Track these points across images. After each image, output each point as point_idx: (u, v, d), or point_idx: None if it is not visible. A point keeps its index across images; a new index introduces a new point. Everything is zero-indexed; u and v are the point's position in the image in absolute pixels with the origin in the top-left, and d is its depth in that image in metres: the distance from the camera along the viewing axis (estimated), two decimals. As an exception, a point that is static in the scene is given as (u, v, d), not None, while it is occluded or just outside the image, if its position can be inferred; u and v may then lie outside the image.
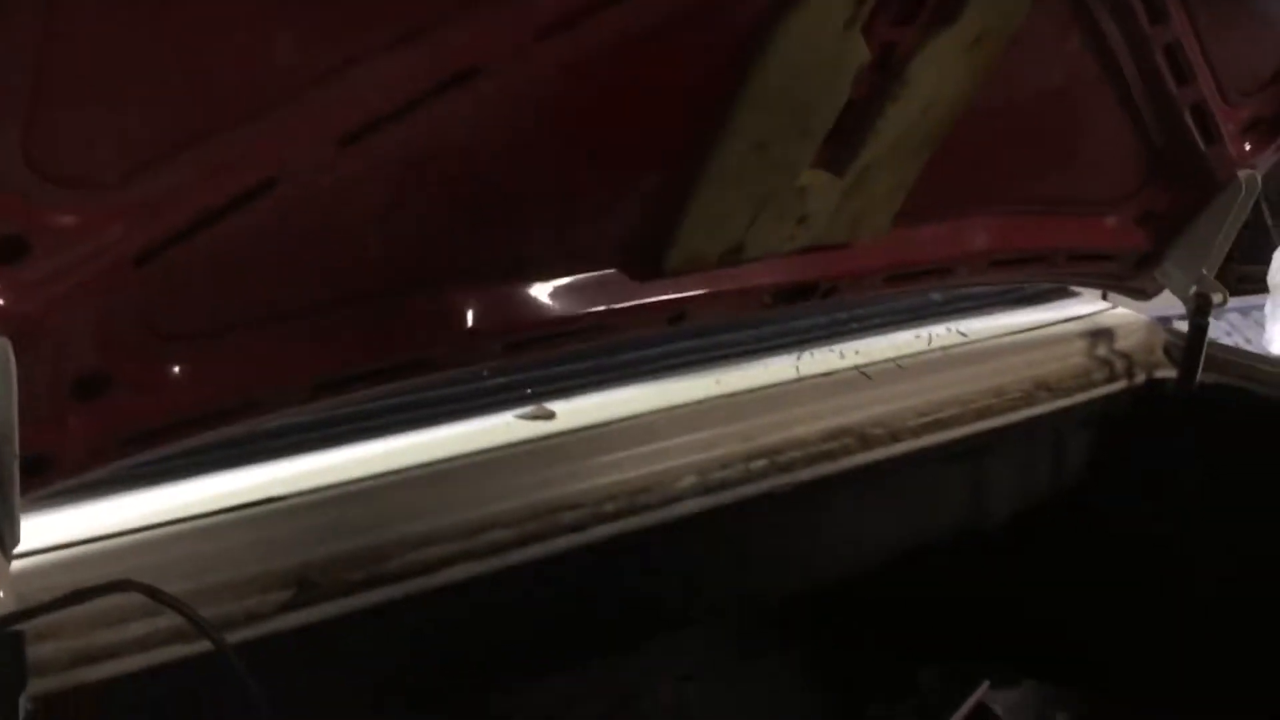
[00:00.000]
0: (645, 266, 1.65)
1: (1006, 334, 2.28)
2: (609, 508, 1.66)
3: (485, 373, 1.78)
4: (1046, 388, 2.23)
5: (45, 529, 1.40)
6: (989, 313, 2.35)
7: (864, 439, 1.94)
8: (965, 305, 2.34)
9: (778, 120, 1.54)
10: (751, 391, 1.91)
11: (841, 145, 1.65)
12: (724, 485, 1.78)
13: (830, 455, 1.89)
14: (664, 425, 1.79)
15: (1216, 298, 2.29)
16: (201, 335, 1.31)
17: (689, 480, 1.75)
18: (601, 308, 1.63)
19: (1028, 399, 2.18)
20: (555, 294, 1.59)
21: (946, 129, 1.73)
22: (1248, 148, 2.17)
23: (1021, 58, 1.76)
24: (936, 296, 2.31)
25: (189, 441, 1.40)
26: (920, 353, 2.13)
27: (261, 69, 1.11)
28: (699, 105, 1.47)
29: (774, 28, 1.41)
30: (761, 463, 1.81)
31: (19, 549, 1.27)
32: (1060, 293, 2.49)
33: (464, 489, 1.61)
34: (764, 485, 1.81)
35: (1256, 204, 2.37)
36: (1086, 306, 2.47)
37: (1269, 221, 3.41)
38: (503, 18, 1.21)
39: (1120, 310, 2.51)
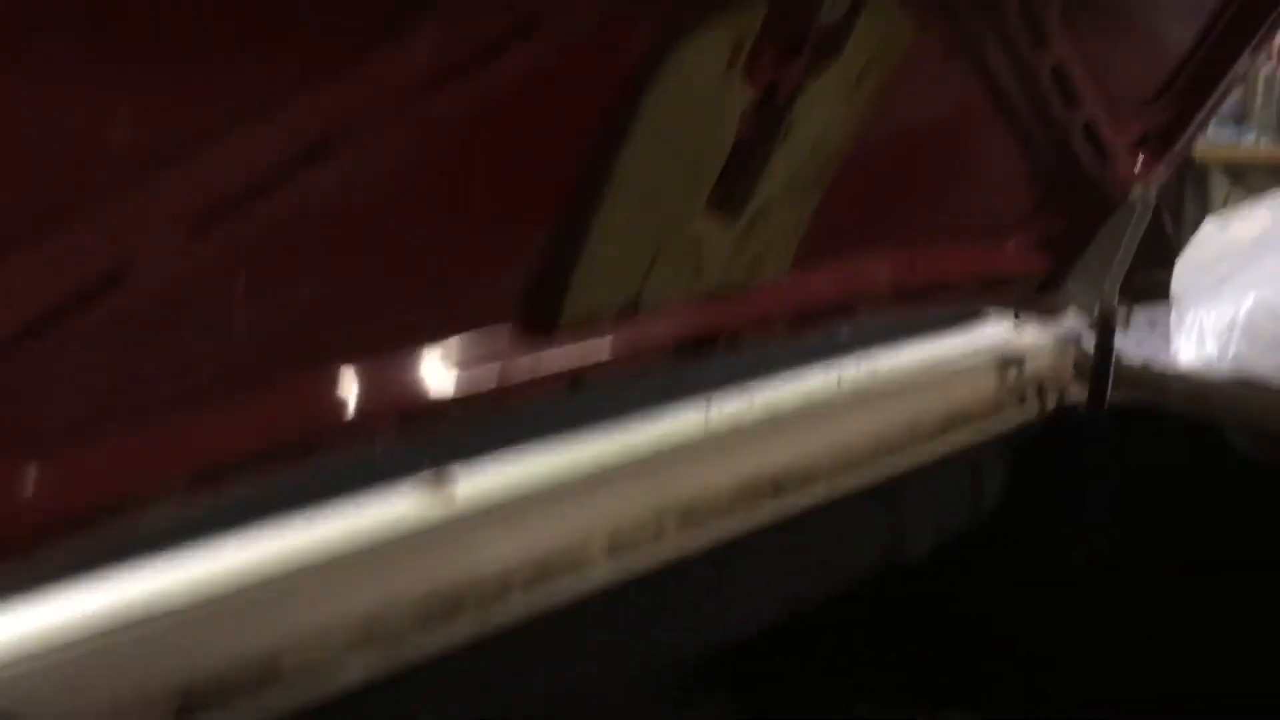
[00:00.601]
0: (539, 328, 1.58)
1: (917, 366, 2.25)
2: (517, 582, 1.58)
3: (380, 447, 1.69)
4: (961, 419, 2.20)
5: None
6: (898, 343, 2.32)
7: (778, 487, 1.88)
8: (874, 337, 2.30)
9: (664, 168, 1.49)
10: (659, 446, 1.85)
11: (733, 189, 1.60)
12: (636, 547, 1.71)
13: (744, 508, 1.83)
14: (570, 489, 1.71)
15: (1120, 315, 2.29)
16: (62, 433, 1.21)
17: (599, 547, 1.67)
18: (497, 375, 1.56)
19: (942, 431, 2.15)
20: (445, 363, 1.51)
21: (835, 165, 1.70)
22: (1140, 164, 2.18)
23: (907, 89, 1.73)
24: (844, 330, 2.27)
25: (55, 548, 1.30)
26: (832, 393, 2.09)
27: (94, 156, 1.02)
28: (579, 158, 1.41)
29: (651, 75, 1.36)
30: (673, 521, 1.75)
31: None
32: (970, 315, 2.46)
33: (359, 577, 1.52)
34: (678, 545, 1.74)
35: (1159, 214, 2.38)
36: (996, 328, 2.46)
37: (1169, 230, 3.44)
38: (353, 85, 1.14)
39: (1030, 331, 2.50)
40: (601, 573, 1.67)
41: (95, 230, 1.06)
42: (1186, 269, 3.31)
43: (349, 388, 1.43)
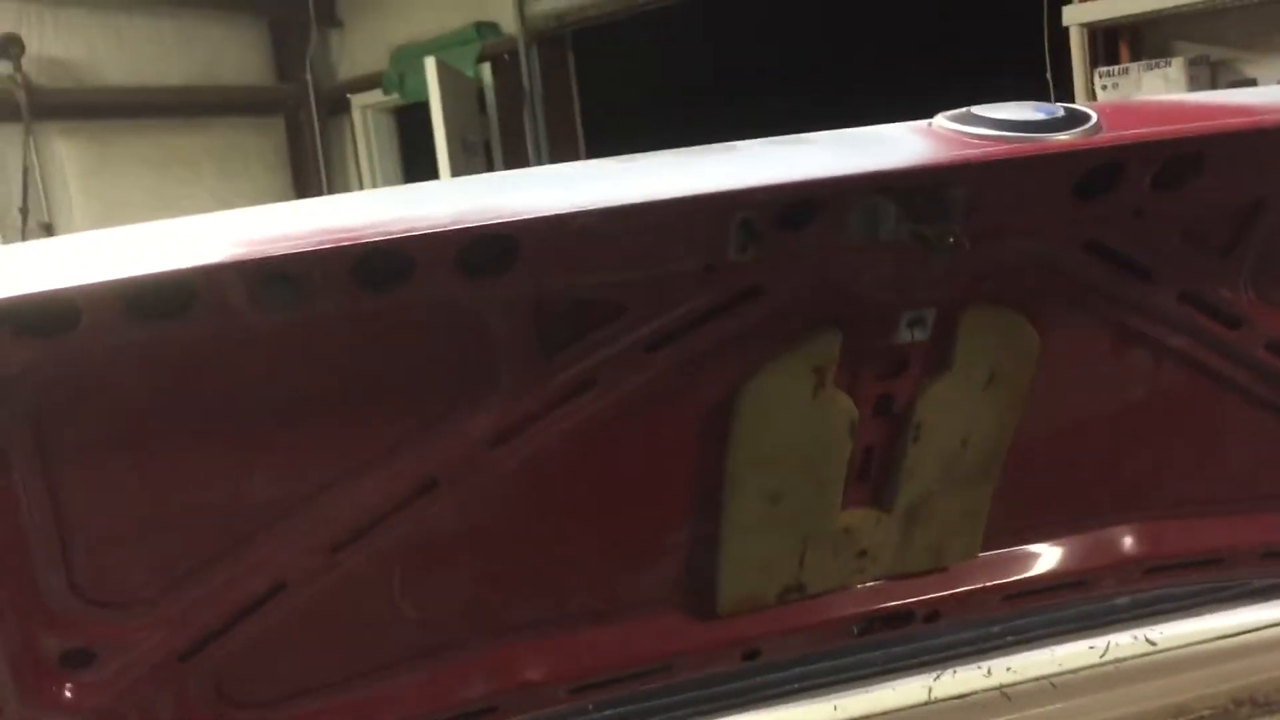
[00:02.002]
0: (702, 608, 1.77)
1: (1206, 639, 2.10)
2: None
3: (590, 706, 1.93)
4: (1251, 702, 2.01)
5: None
6: (1195, 615, 2.17)
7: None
8: (1164, 608, 2.18)
9: (782, 473, 1.65)
10: (870, 717, 1.91)
11: (877, 485, 1.72)
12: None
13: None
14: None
15: None
16: (267, 702, 1.61)
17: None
18: (663, 649, 1.77)
19: (1222, 716, 1.98)
20: (611, 639, 1.74)
21: (1000, 454, 1.73)
22: None
23: (1096, 377, 1.75)
24: (1123, 600, 2.17)
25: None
26: (1084, 667, 2.02)
27: (242, 506, 1.43)
28: (692, 469, 1.62)
29: (736, 400, 1.55)
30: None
31: None
32: (1297, 585, 2.24)
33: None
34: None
35: None
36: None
37: None
38: (450, 437, 1.46)
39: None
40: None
41: (253, 557, 1.45)
42: None
43: (519, 662, 1.71)
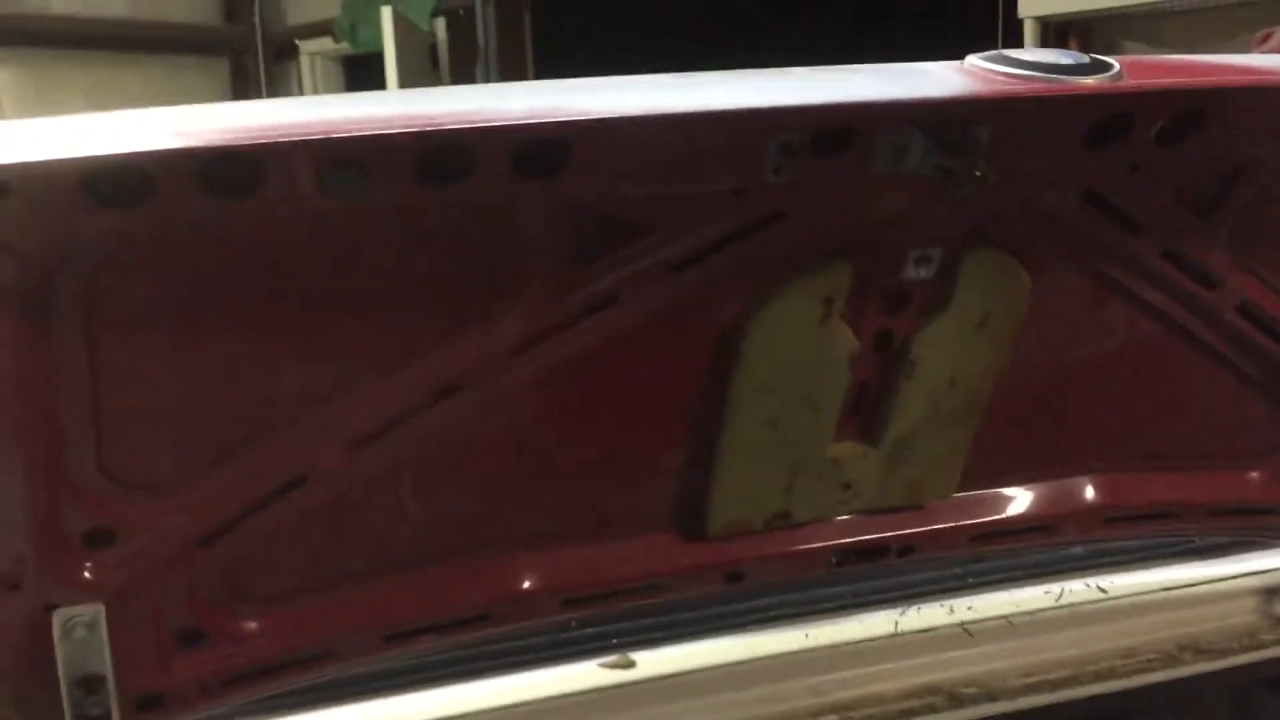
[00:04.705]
0: (691, 530, 1.83)
1: (1155, 590, 2.22)
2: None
3: (573, 622, 2.00)
4: (1195, 649, 2.13)
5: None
6: (1145, 567, 2.29)
7: (953, 698, 1.96)
8: (1116, 559, 2.30)
9: (781, 400, 1.71)
10: (838, 646, 2.00)
11: (868, 419, 1.79)
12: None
13: (911, 714, 1.93)
14: (734, 676, 1.92)
15: None
16: (274, 597, 1.65)
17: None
18: (652, 568, 1.83)
19: (1165, 661, 2.10)
20: (604, 555, 1.80)
21: (985, 396, 1.82)
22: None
23: (1078, 328, 1.84)
24: (1077, 549, 2.29)
25: (284, 685, 1.72)
26: (1041, 609, 2.13)
27: (272, 396, 1.46)
28: (697, 390, 1.68)
29: (748, 324, 1.61)
30: (831, 718, 1.89)
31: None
32: (1239, 544, 2.37)
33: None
34: (834, 742, 1.88)
35: None
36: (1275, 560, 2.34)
37: None
38: (477, 342, 1.50)
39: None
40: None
41: (276, 449, 1.49)
42: None
43: (515, 572, 1.76)
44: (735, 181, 1.40)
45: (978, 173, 1.36)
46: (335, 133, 1.15)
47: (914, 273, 1.62)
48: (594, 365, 1.59)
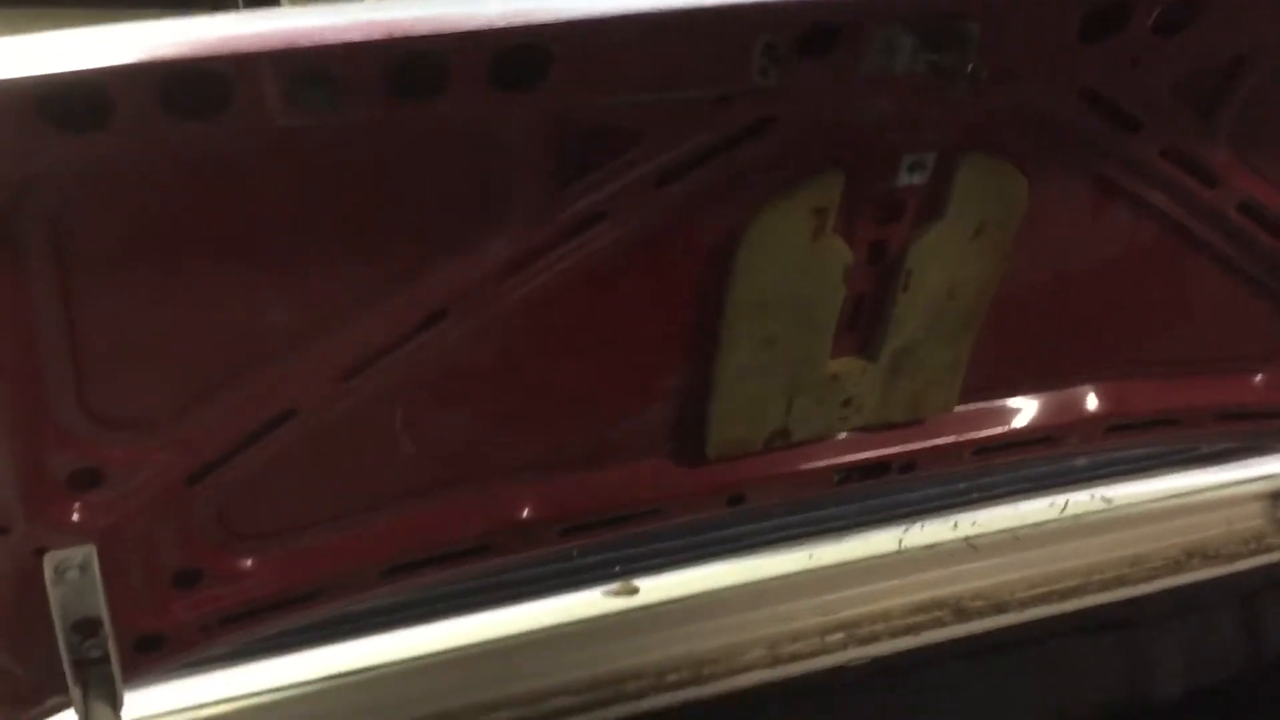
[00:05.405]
0: (690, 453, 1.81)
1: (1160, 499, 2.20)
2: (671, 679, 1.80)
3: (575, 551, 1.98)
4: (1202, 555, 2.12)
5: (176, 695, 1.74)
6: (1150, 476, 2.27)
7: (960, 612, 1.95)
8: (1120, 469, 2.28)
9: (777, 317, 1.68)
10: (842, 565, 1.98)
11: (865, 333, 1.76)
12: (794, 658, 1.86)
13: (918, 628, 1.91)
14: (738, 599, 1.90)
15: None
16: (269, 534, 1.62)
17: (756, 653, 1.85)
18: (652, 493, 1.81)
19: (1172, 568, 2.09)
20: (602, 482, 1.78)
21: (983, 307, 1.79)
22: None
23: (1077, 233, 1.80)
24: (1080, 461, 2.27)
25: (284, 622, 1.71)
26: (1045, 521, 2.11)
27: (253, 328, 1.42)
28: (691, 310, 1.64)
29: (740, 239, 1.57)
30: (838, 636, 1.88)
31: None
32: (1245, 450, 2.35)
33: (538, 660, 1.81)
34: (839, 658, 1.87)
35: None
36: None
37: None
38: (462, 266, 1.47)
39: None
40: (754, 677, 1.84)
41: (263, 383, 1.45)
42: None
43: (513, 501, 1.74)
44: (721, 86, 1.35)
45: (970, 69, 1.32)
46: (299, 42, 1.10)
47: (908, 179, 1.58)
48: (584, 288, 1.55)
